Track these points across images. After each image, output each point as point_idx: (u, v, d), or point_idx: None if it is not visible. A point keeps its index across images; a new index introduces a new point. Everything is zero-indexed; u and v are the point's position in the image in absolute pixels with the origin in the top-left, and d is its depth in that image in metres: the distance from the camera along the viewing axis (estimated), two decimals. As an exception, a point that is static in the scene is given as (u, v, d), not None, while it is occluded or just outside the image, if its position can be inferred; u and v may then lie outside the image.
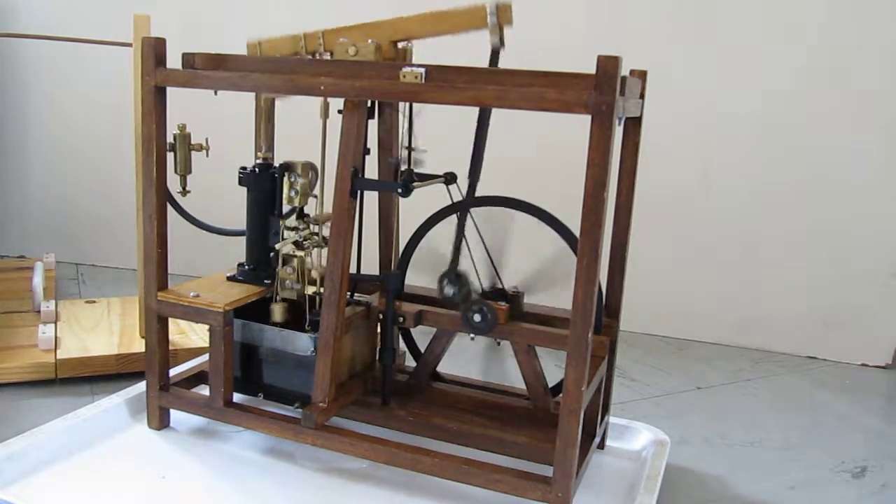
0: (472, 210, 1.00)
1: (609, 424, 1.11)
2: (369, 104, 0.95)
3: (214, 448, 1.03)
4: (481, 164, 0.96)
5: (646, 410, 1.32)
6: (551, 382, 1.02)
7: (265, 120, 1.10)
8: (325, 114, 0.98)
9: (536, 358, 0.99)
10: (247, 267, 1.08)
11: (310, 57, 0.99)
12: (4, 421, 1.12)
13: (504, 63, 0.91)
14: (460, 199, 1.00)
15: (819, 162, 1.60)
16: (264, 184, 1.04)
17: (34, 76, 1.99)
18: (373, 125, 1.00)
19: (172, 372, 1.10)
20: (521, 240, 0.99)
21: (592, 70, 0.76)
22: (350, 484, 0.97)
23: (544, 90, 0.79)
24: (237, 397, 1.05)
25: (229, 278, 1.08)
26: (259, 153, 1.08)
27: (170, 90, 0.98)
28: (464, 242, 0.99)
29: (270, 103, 1.09)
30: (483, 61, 0.91)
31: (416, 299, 1.06)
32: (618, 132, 0.81)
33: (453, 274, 0.97)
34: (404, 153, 1.02)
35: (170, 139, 1.02)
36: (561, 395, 0.84)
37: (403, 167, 1.02)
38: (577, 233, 0.81)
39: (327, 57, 0.98)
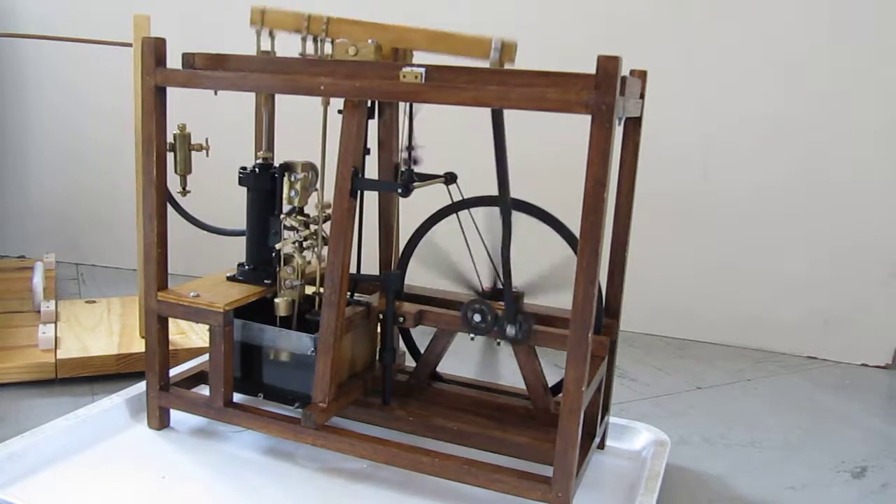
0: (471, 210, 1.00)
1: (609, 424, 1.11)
2: (369, 104, 0.95)
3: (214, 448, 1.03)
4: (506, 164, 0.95)
5: (646, 410, 1.32)
6: (551, 382, 1.02)
7: (265, 120, 1.10)
8: (326, 114, 0.98)
9: (536, 358, 0.99)
10: (247, 267, 1.08)
11: (311, 38, 0.98)
12: (4, 421, 1.12)
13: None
14: (460, 198, 1.00)
15: (819, 162, 1.60)
16: (264, 184, 1.04)
17: (34, 76, 1.99)
18: (373, 125, 1.00)
19: (172, 372, 1.10)
20: (522, 240, 0.99)
21: (592, 70, 0.76)
22: (350, 484, 0.97)
23: (545, 90, 0.79)
24: (237, 397, 1.05)
25: (229, 278, 1.08)
26: (259, 153, 1.08)
27: (170, 90, 0.98)
28: (464, 243, 0.99)
29: (271, 104, 1.09)
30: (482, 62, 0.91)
31: (416, 299, 1.06)
32: (618, 132, 0.81)
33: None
34: (405, 153, 1.02)
35: (170, 139, 1.02)
36: (561, 395, 0.84)
37: (404, 167, 1.02)
38: (577, 233, 0.81)
39: (328, 43, 0.97)
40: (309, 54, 0.99)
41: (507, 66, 0.89)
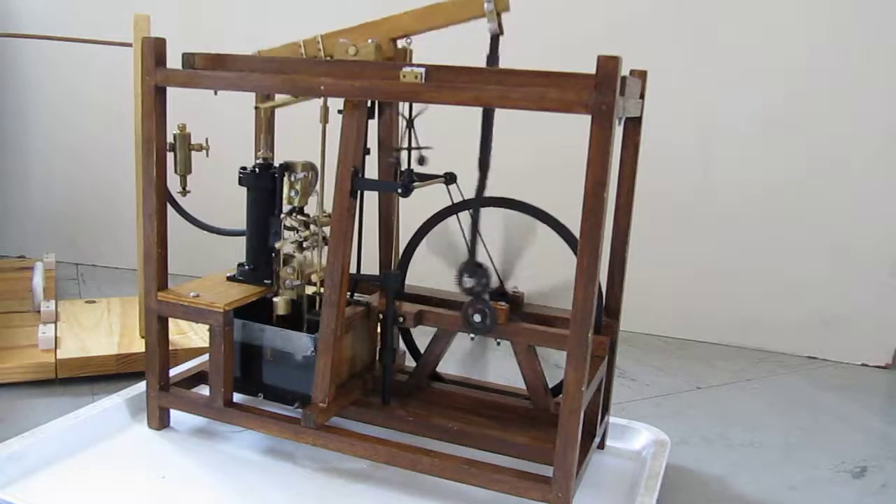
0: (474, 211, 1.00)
1: (609, 424, 1.11)
2: (369, 104, 0.95)
3: (214, 448, 1.03)
4: (489, 163, 0.96)
5: (646, 410, 1.32)
6: (551, 382, 1.02)
7: (265, 128, 1.10)
8: (325, 118, 0.98)
9: (536, 358, 0.99)
10: (247, 267, 1.08)
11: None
12: (4, 421, 1.12)
13: (504, 62, 0.91)
14: (461, 199, 1.00)
15: (819, 161, 1.60)
16: (264, 184, 1.04)
17: (34, 76, 1.99)
18: (373, 125, 1.00)
19: (172, 372, 1.10)
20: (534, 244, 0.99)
21: (592, 70, 0.76)
22: (350, 484, 0.97)
23: (545, 90, 0.79)
24: (237, 397, 1.05)
25: (229, 278, 1.08)
26: (259, 153, 1.08)
27: (170, 90, 0.98)
28: (478, 241, 0.99)
29: (270, 113, 1.09)
30: (483, 61, 0.91)
31: (416, 299, 1.06)
32: (618, 132, 0.81)
33: (473, 266, 0.97)
34: (405, 153, 1.02)
35: (170, 139, 1.02)
36: (561, 395, 0.84)
37: (403, 167, 1.02)
38: (577, 233, 0.81)
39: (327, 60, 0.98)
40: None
41: (503, 15, 0.89)
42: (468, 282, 0.98)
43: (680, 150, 1.66)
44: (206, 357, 1.18)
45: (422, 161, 1.02)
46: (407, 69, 0.84)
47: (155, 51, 0.95)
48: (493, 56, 0.92)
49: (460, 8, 0.90)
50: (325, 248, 0.98)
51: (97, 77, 1.91)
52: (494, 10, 0.88)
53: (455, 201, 1.01)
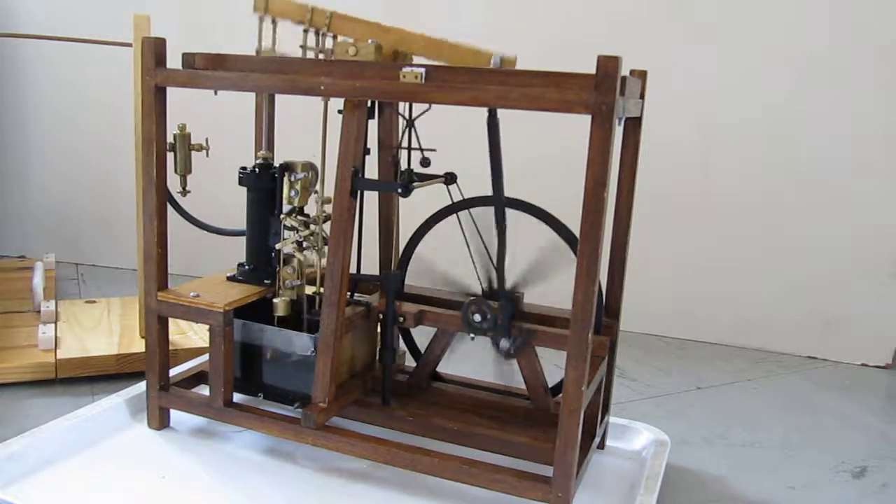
0: (471, 211, 1.00)
1: (609, 424, 1.11)
2: (369, 104, 0.95)
3: (214, 448, 1.03)
4: (501, 170, 0.96)
5: (646, 410, 1.32)
6: (551, 382, 1.02)
7: (265, 120, 1.10)
8: (327, 103, 0.98)
9: (536, 358, 0.99)
10: (247, 267, 1.08)
11: (312, 31, 0.98)
12: (4, 421, 1.12)
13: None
14: (460, 198, 1.00)
15: (819, 161, 1.60)
16: (264, 184, 1.04)
17: (34, 76, 1.99)
18: (373, 125, 1.00)
19: (172, 372, 1.10)
20: (521, 241, 0.99)
21: (592, 70, 0.76)
22: (350, 484, 0.97)
23: (544, 90, 0.79)
24: (237, 397, 1.05)
25: (229, 278, 1.08)
26: (259, 153, 1.08)
27: (170, 90, 0.98)
28: (465, 243, 0.99)
29: (270, 104, 1.09)
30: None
31: (416, 299, 1.06)
32: (618, 132, 0.81)
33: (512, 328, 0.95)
34: (404, 152, 1.02)
35: (170, 139, 1.02)
36: (561, 395, 0.84)
37: (403, 167, 1.02)
38: (577, 233, 0.81)
39: (329, 38, 0.97)
40: (310, 47, 0.99)
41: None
42: (505, 343, 0.96)
43: (680, 150, 1.66)
44: (206, 357, 1.18)
45: (425, 163, 1.02)
46: (407, 69, 0.84)
47: (155, 51, 0.95)
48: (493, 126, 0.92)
49: (468, 57, 0.89)
50: (325, 247, 0.98)
51: (97, 77, 1.91)
52: (500, 66, 0.88)
53: (455, 201, 1.01)
